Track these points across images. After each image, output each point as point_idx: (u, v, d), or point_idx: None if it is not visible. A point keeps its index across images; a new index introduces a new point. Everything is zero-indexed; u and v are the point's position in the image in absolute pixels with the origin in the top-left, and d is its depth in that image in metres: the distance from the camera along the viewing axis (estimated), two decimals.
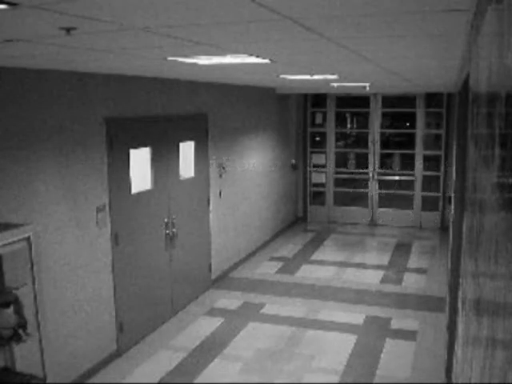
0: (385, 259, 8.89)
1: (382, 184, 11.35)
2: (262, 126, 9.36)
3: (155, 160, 6.01)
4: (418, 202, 10.97)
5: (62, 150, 4.61)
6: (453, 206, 5.59)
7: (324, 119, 11.54)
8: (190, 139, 6.85)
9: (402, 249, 9.51)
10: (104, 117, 5.10)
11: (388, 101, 11.17)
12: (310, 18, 2.21)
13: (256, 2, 1.81)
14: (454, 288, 4.52)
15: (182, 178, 6.64)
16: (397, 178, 11.59)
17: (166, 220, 6.26)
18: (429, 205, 10.94)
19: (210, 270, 7.51)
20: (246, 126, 8.67)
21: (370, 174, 11.22)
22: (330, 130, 11.36)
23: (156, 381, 5.01)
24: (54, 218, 4.55)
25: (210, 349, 5.66)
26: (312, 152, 11.58)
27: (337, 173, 11.59)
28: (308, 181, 11.59)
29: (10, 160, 4.08)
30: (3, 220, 3.83)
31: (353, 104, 11.86)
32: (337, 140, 11.77)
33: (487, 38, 1.46)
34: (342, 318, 6.46)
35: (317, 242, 9.94)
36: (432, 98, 10.77)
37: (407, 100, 11.01)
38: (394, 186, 11.58)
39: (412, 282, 7.75)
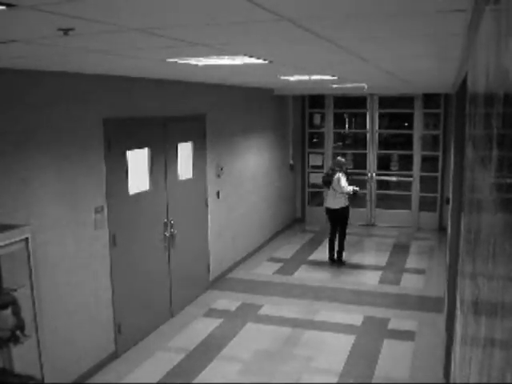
0: (383, 260, 8.89)
1: (380, 184, 11.34)
2: (260, 127, 9.36)
3: (153, 161, 6.01)
4: (415, 202, 10.98)
5: (59, 151, 4.60)
6: (450, 207, 5.60)
7: (322, 120, 11.55)
8: (189, 140, 6.85)
9: (400, 249, 9.52)
10: (102, 118, 5.10)
11: (386, 101, 11.18)
12: (307, 18, 2.21)
13: (253, 3, 1.81)
14: (452, 288, 4.53)
15: (180, 179, 6.63)
16: (394, 178, 11.59)
17: (164, 221, 6.25)
18: (427, 205, 10.94)
19: (208, 270, 7.51)
20: (244, 126, 8.66)
21: (368, 175, 11.22)
22: (328, 130, 11.37)
23: (154, 382, 5.00)
24: (52, 219, 4.54)
25: (208, 350, 5.66)
26: (310, 153, 11.58)
27: None
28: (306, 182, 11.59)
29: (7, 161, 4.07)
30: (1, 221, 3.82)
31: (351, 105, 11.87)
32: (335, 141, 11.77)
33: (485, 38, 1.46)
34: (340, 318, 6.46)
35: (315, 243, 9.93)
36: (430, 99, 10.78)
37: (405, 101, 11.02)
38: (392, 186, 11.58)
39: (410, 283, 7.75)
